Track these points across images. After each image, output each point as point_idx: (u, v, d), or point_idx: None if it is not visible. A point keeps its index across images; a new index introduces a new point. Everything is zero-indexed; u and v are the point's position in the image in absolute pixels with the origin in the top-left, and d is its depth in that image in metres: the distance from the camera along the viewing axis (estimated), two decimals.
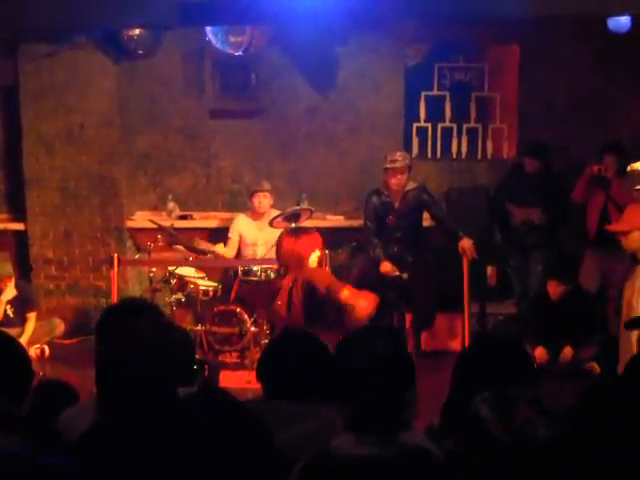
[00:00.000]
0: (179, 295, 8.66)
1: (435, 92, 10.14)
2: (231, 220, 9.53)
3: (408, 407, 3.02)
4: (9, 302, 8.94)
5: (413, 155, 9.80)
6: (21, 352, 3.30)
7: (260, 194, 9.26)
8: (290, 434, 3.07)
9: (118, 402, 2.88)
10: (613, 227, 8.01)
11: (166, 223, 9.28)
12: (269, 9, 6.63)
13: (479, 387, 3.13)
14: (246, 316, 8.41)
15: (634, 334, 7.29)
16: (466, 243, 8.47)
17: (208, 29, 8.71)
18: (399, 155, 8.69)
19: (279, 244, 7.18)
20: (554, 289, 8.32)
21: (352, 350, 3.07)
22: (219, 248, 9.13)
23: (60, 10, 7.03)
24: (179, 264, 8.76)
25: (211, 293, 8.68)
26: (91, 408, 3.25)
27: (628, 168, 7.99)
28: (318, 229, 9.20)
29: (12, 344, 3.29)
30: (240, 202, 9.89)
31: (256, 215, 9.31)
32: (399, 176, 8.62)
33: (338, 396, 3.06)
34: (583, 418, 2.82)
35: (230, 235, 9.39)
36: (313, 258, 7.12)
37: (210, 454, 2.07)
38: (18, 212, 10.09)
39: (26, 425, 2.61)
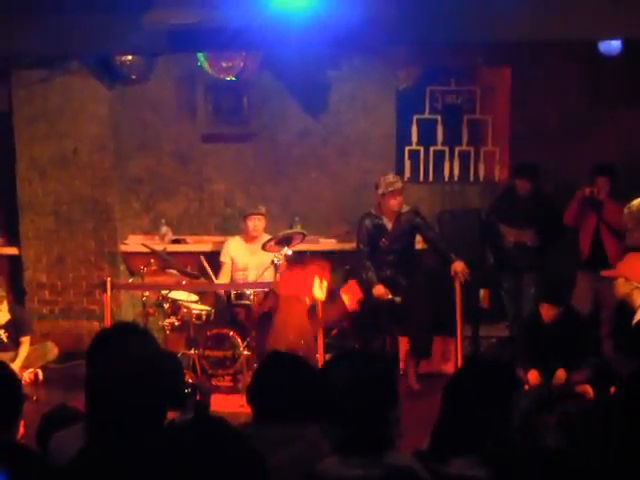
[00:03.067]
0: (172, 319, 8.65)
1: (427, 115, 10.17)
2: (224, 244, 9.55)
3: (392, 427, 3.03)
4: (2, 326, 8.93)
5: (405, 178, 9.84)
6: (11, 376, 3.29)
7: (255, 217, 9.28)
8: (278, 458, 3.08)
9: (106, 427, 2.88)
10: (607, 273, 8.04)
11: (159, 247, 9.29)
12: (258, 35, 6.66)
13: (468, 410, 3.14)
14: (239, 340, 8.41)
15: None
16: (458, 266, 8.47)
17: (199, 55, 8.76)
18: (392, 177, 8.75)
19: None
20: (546, 312, 8.29)
21: (334, 373, 3.08)
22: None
23: (52, 36, 7.05)
24: (172, 288, 8.76)
25: (204, 317, 8.66)
26: (82, 432, 3.25)
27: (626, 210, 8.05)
28: (311, 252, 9.29)
29: (2, 369, 3.29)
30: (233, 226, 9.90)
31: (249, 238, 9.33)
32: (399, 197, 8.68)
33: (323, 418, 3.08)
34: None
35: (223, 259, 9.40)
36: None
37: None
38: (12, 237, 10.09)
39: (13, 451, 2.62)
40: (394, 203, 8.70)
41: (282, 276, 8.14)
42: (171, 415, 3.25)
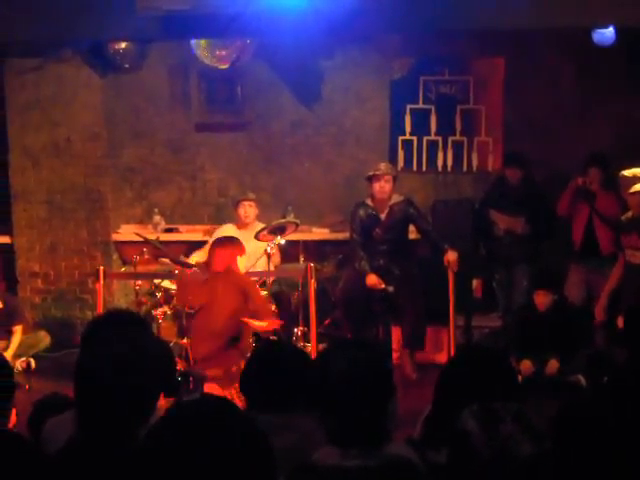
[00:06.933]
0: (165, 308, 8.62)
1: (420, 105, 10.16)
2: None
3: (390, 418, 3.02)
4: None
5: (399, 168, 9.82)
6: (2, 364, 3.29)
7: (246, 203, 9.27)
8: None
9: (95, 416, 2.88)
10: None
11: (152, 236, 9.26)
12: (252, 22, 6.65)
13: (461, 400, 3.13)
14: None
15: None
16: (451, 256, 8.47)
17: (194, 43, 8.72)
18: (383, 165, 8.75)
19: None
20: (542, 299, 8.30)
21: (333, 364, 3.06)
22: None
23: (44, 23, 7.03)
24: (165, 277, 8.75)
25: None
26: (73, 419, 3.24)
27: (620, 175, 8.11)
28: (304, 242, 9.28)
29: None
30: (226, 215, 9.89)
31: (241, 225, 9.33)
32: (382, 183, 8.65)
33: (320, 409, 3.06)
34: (561, 437, 2.82)
35: None
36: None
37: (209, 460, 2.06)
38: (4, 225, 10.07)
39: (4, 439, 2.61)
40: (377, 188, 8.68)
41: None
42: (163, 402, 3.24)
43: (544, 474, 2.63)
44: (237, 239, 7.33)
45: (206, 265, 7.32)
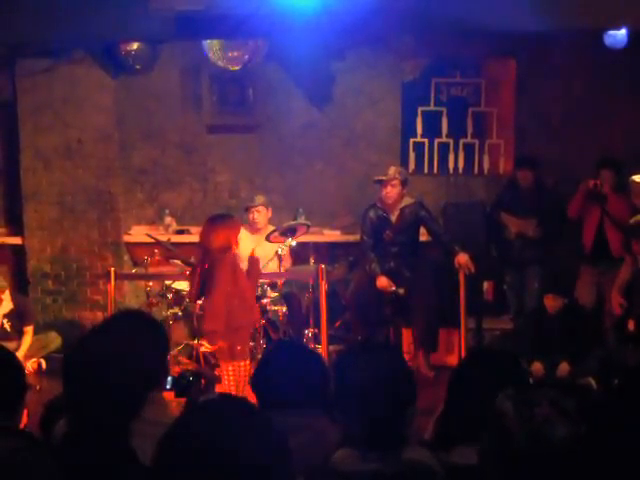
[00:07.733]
0: (176, 309, 8.64)
1: (432, 107, 10.14)
2: None
3: (409, 422, 3.02)
4: (6, 316, 8.95)
5: (410, 170, 9.82)
6: (14, 363, 3.29)
7: (254, 209, 9.23)
8: None
9: (75, 409, 2.92)
10: None
11: (163, 237, 9.28)
12: (264, 23, 6.65)
13: (473, 402, 3.13)
14: None
15: None
16: (462, 258, 8.45)
17: (206, 44, 8.72)
18: (391, 169, 8.74)
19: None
20: (552, 303, 8.28)
21: (354, 366, 3.05)
22: None
23: (56, 24, 7.04)
24: (176, 278, 8.76)
25: None
26: None
27: (630, 180, 8.12)
28: (315, 244, 9.26)
29: (5, 356, 3.28)
30: (237, 217, 9.86)
31: (252, 230, 9.30)
32: (389, 188, 8.65)
33: (339, 411, 3.05)
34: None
35: None
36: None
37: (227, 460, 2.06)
38: (16, 226, 10.09)
39: (16, 437, 2.62)
40: (384, 193, 8.71)
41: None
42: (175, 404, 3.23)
43: (579, 457, 2.62)
44: (233, 217, 7.27)
45: (201, 243, 7.19)
